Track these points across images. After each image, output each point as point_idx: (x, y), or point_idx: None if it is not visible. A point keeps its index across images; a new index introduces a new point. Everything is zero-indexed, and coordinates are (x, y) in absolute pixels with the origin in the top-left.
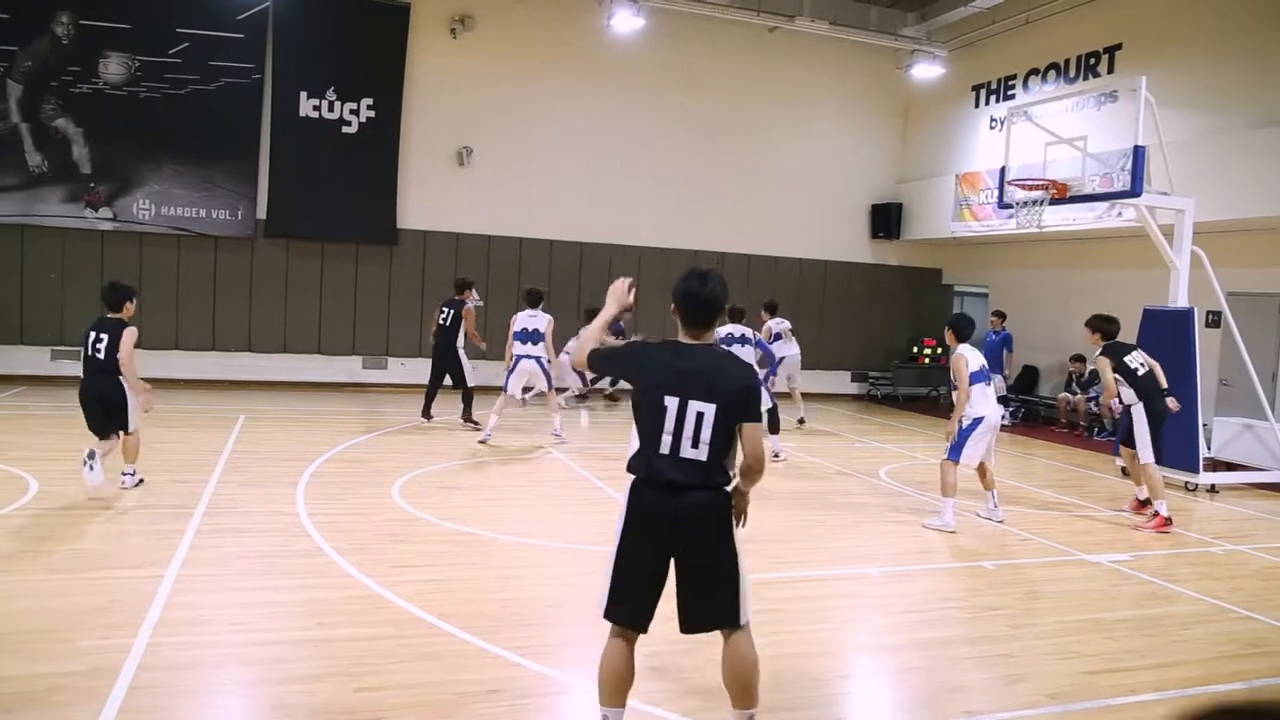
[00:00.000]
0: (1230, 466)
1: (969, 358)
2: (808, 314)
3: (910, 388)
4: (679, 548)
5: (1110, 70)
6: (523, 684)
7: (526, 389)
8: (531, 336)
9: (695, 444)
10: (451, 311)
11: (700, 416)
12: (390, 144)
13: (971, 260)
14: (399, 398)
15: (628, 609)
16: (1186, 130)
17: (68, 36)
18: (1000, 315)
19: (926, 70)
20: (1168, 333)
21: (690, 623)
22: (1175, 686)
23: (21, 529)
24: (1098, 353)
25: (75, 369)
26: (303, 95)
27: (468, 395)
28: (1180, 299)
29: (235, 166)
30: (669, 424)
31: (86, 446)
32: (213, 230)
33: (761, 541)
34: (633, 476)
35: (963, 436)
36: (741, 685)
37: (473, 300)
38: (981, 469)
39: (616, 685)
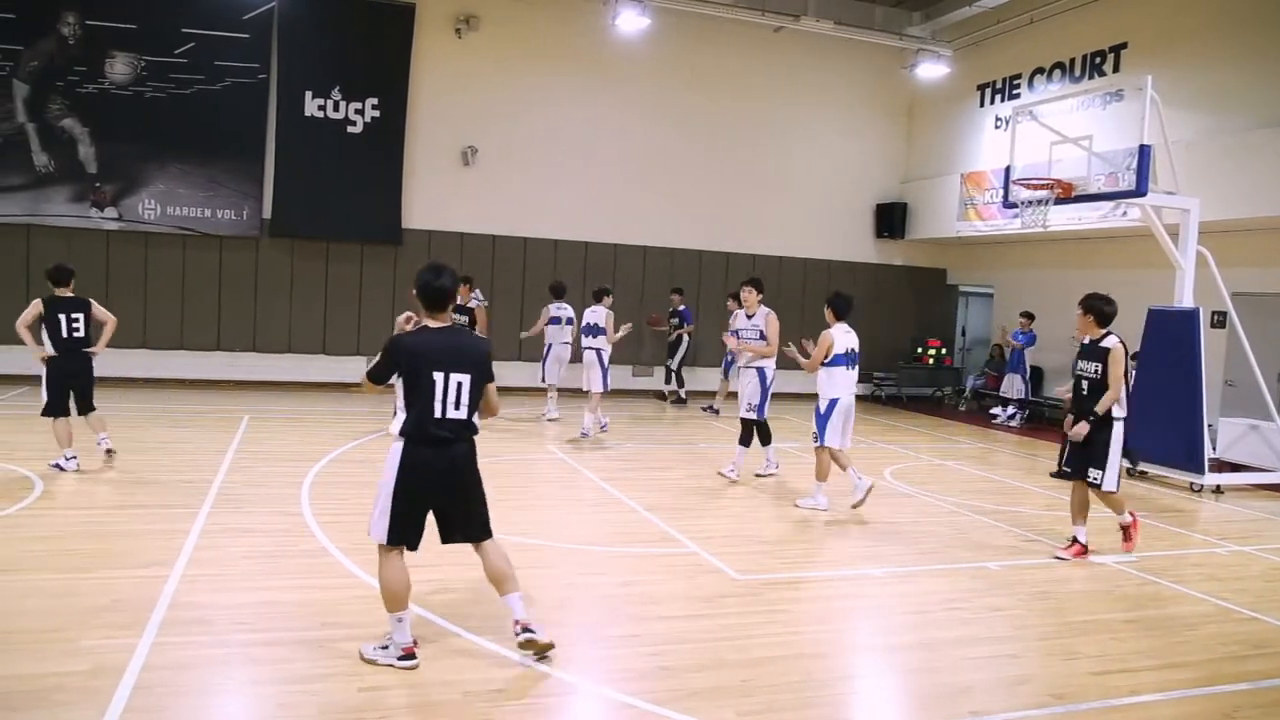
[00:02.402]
0: (1235, 467)
1: (838, 338)
2: (812, 314)
3: (915, 388)
4: (450, 488)
5: (1116, 69)
6: (527, 684)
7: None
8: (594, 330)
9: (458, 406)
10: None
11: (460, 385)
12: (395, 144)
13: (976, 260)
14: None
15: (409, 537)
16: (1192, 129)
17: (74, 36)
18: (1029, 316)
19: (931, 70)
20: (1173, 333)
21: (456, 539)
22: (1180, 687)
23: (26, 528)
24: (1105, 341)
25: None
26: (308, 95)
27: None
28: (1185, 299)
29: (240, 166)
30: (438, 393)
31: (79, 445)
32: (218, 230)
33: (765, 542)
34: (403, 438)
35: (823, 419)
36: (505, 575)
37: (475, 298)
38: (832, 452)
39: (408, 592)
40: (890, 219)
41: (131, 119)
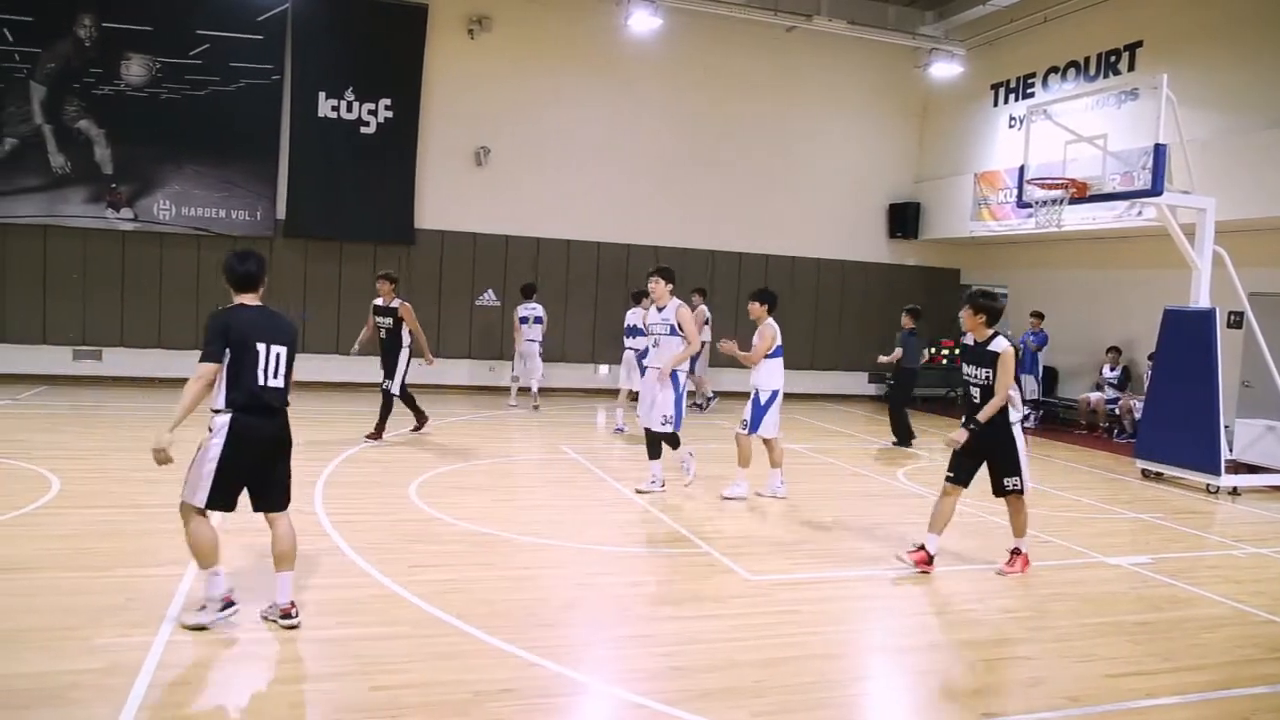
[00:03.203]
0: (1252, 469)
1: (779, 331)
2: (825, 314)
3: (928, 389)
4: (272, 457)
5: (1131, 68)
6: (538, 683)
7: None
8: (633, 331)
9: (276, 375)
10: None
11: (279, 355)
12: (408, 144)
13: (990, 260)
14: (417, 397)
15: (226, 502)
16: (1208, 128)
17: (90, 39)
18: (1039, 315)
19: (945, 69)
20: (1189, 333)
21: (263, 507)
22: (1197, 690)
23: (43, 527)
24: (993, 344)
25: (96, 369)
26: (321, 96)
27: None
28: (1202, 299)
29: (254, 167)
30: (262, 363)
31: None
32: (232, 230)
33: (778, 543)
34: (231, 409)
35: (762, 410)
36: (288, 553)
37: (488, 299)
38: (771, 445)
39: (217, 548)
40: (903, 219)
41: (147, 120)
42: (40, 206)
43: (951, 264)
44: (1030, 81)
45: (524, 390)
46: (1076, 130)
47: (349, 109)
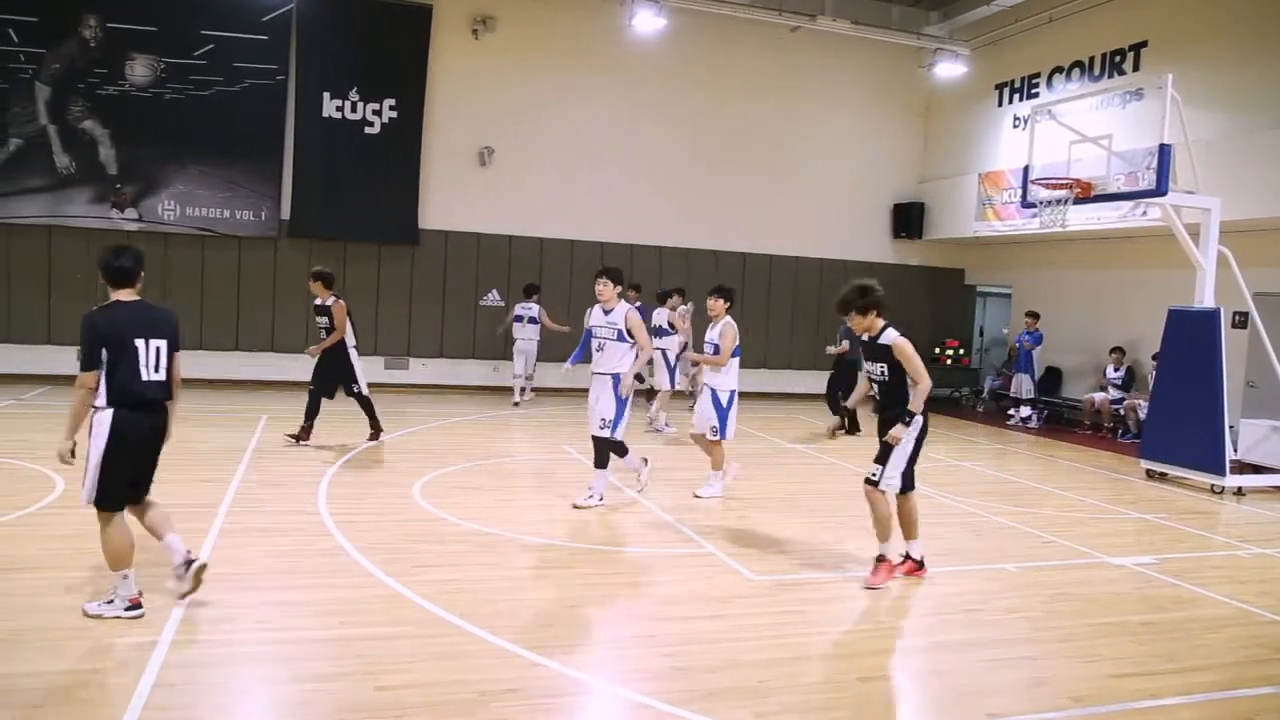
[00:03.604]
0: (1257, 469)
1: (736, 328)
2: (829, 315)
3: (932, 388)
4: (154, 450)
5: (1136, 68)
6: (542, 683)
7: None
8: (659, 331)
9: (157, 369)
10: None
11: (159, 349)
12: (412, 144)
13: (994, 260)
14: (420, 398)
15: (119, 498)
16: (1213, 128)
17: (95, 39)
18: (1034, 315)
19: (949, 69)
20: (1194, 334)
21: (137, 498)
22: (1201, 691)
23: (48, 526)
24: (884, 337)
25: None
26: (326, 96)
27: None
28: (1206, 299)
29: (259, 167)
30: (142, 358)
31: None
32: (236, 230)
33: (781, 543)
34: (112, 406)
35: (725, 412)
36: (166, 516)
37: (492, 299)
38: (709, 444)
39: (132, 550)
40: (907, 219)
41: (151, 120)
42: (45, 207)
43: (955, 264)
44: (1035, 82)
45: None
46: (1081, 130)
47: (353, 109)
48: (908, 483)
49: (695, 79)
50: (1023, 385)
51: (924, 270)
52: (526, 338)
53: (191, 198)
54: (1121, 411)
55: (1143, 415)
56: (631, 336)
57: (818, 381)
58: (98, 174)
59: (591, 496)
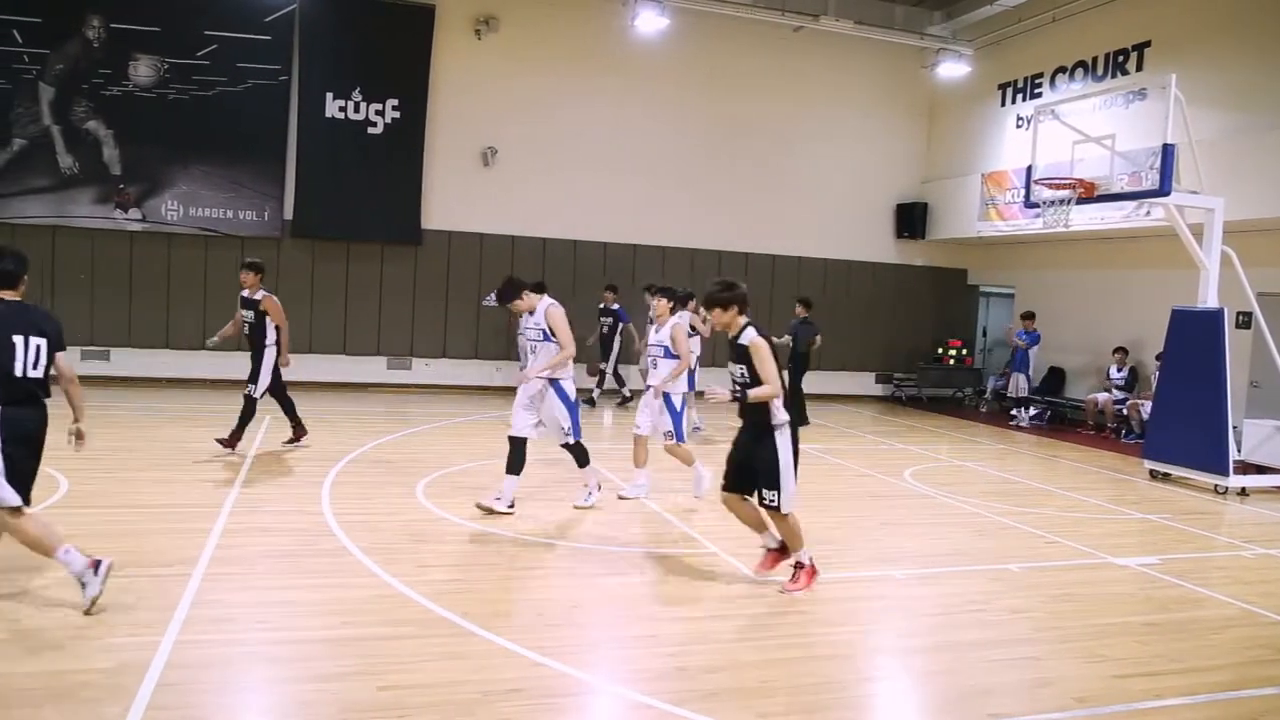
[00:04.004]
0: (1260, 469)
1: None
2: (832, 315)
3: (935, 389)
4: (40, 445)
5: (1139, 68)
6: (545, 683)
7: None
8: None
9: (35, 367)
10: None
11: (39, 347)
12: (415, 144)
13: (997, 260)
14: (423, 398)
15: (25, 492)
16: (1216, 128)
17: (98, 40)
18: (1030, 316)
19: (952, 69)
20: (1197, 334)
21: (29, 493)
22: (1205, 691)
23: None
24: (743, 336)
25: (104, 368)
26: (329, 96)
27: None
28: (1210, 299)
29: (262, 167)
30: (19, 354)
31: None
32: (239, 231)
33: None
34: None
35: (679, 416)
36: (51, 526)
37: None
38: (642, 443)
39: (51, 532)
40: (910, 219)
41: (155, 121)
42: (49, 207)
43: (958, 264)
44: (1038, 82)
45: None
46: (1084, 130)
47: (356, 109)
48: (729, 485)
49: (698, 79)
50: (1018, 384)
51: (927, 270)
52: (521, 333)
53: (195, 198)
54: (1125, 412)
55: (1146, 415)
56: (554, 336)
57: (821, 382)
58: (101, 174)
59: (590, 495)
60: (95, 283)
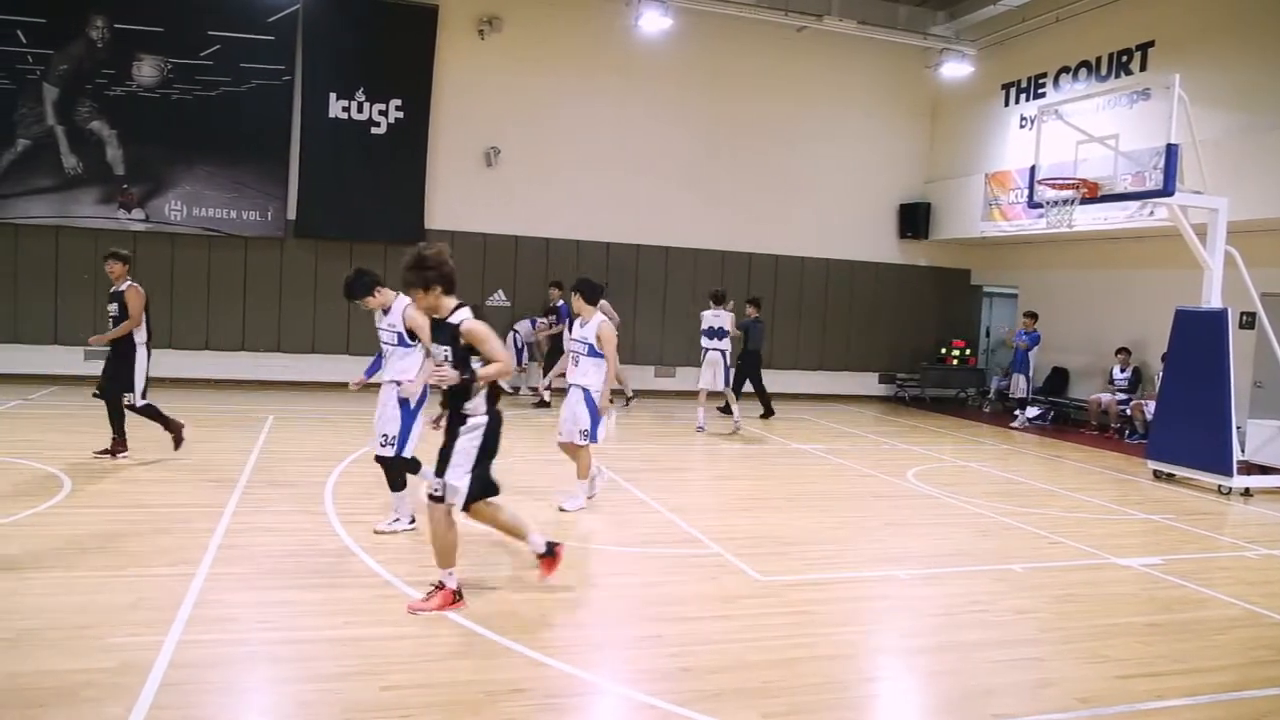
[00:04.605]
0: (1264, 470)
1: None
2: (835, 315)
3: (938, 389)
4: None
5: (1143, 68)
6: (549, 683)
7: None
8: (716, 333)
9: None
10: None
11: None
12: (419, 144)
13: (1001, 260)
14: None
15: None
16: (1220, 128)
17: (102, 40)
18: (1033, 316)
19: (955, 69)
20: (1201, 334)
21: None
22: (1208, 692)
23: (54, 527)
24: (452, 316)
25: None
26: (332, 96)
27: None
28: (1214, 299)
29: (265, 167)
30: None
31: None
32: (243, 231)
33: (788, 543)
34: None
35: (598, 416)
36: None
37: (498, 299)
38: (576, 450)
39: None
40: (914, 219)
41: (158, 121)
42: (52, 207)
43: (962, 264)
44: (1041, 81)
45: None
46: (1088, 130)
47: (359, 109)
48: (485, 488)
49: (701, 79)
50: (1018, 385)
51: (930, 270)
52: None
53: (198, 198)
54: (1128, 412)
55: (1150, 416)
56: (414, 339)
57: (824, 382)
58: (105, 174)
59: (399, 521)
60: (98, 283)
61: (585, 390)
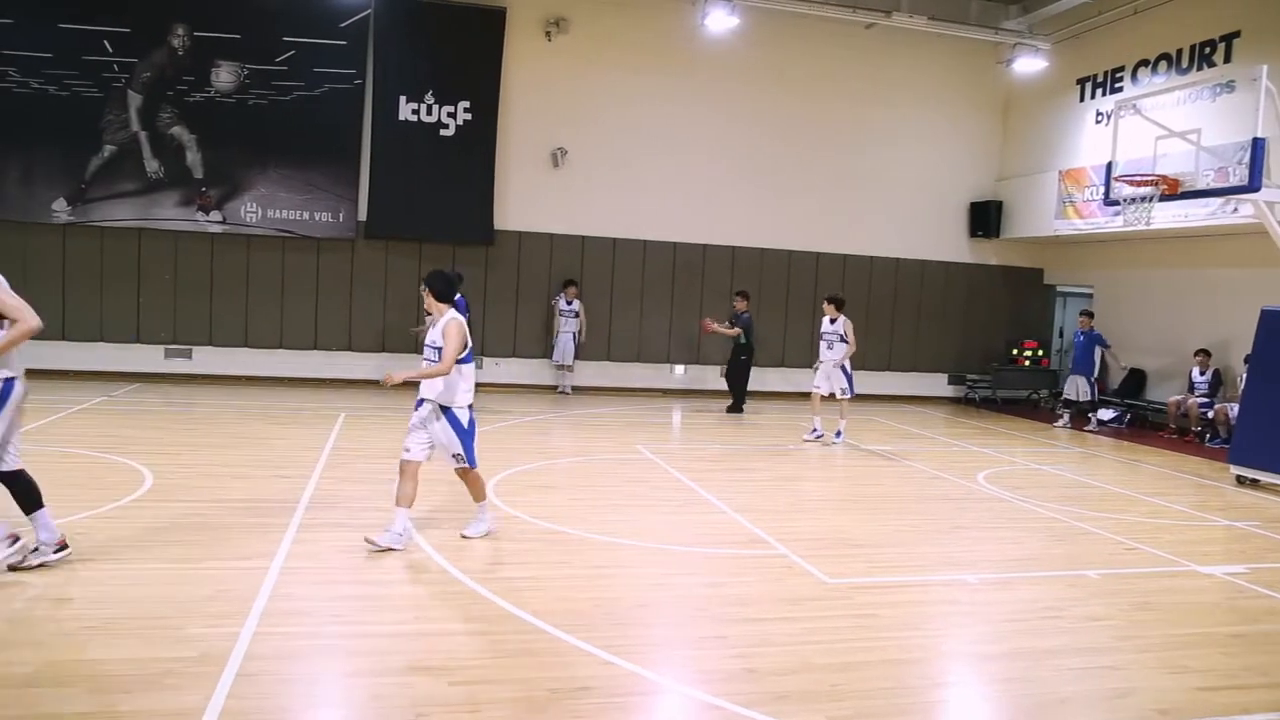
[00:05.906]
0: None
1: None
2: (904, 315)
3: (1010, 390)
4: None
5: (1227, 59)
6: (614, 682)
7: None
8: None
9: None
10: None
11: None
12: (487, 146)
13: (1075, 259)
14: (494, 397)
15: None
16: None
17: (183, 47)
18: (1089, 315)
19: (1028, 64)
20: None
21: None
22: None
23: (137, 520)
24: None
25: (186, 366)
26: (402, 99)
27: None
28: None
29: (337, 170)
30: None
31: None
32: (315, 232)
33: (856, 545)
34: None
35: (468, 436)
36: None
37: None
38: (475, 475)
39: None
40: (985, 218)
41: (235, 125)
42: (136, 210)
43: (1034, 264)
44: (1119, 75)
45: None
46: (1167, 125)
47: (429, 112)
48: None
49: (768, 78)
50: (1078, 387)
51: (1001, 270)
52: (565, 331)
53: (272, 200)
54: (1210, 415)
55: (1234, 419)
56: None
57: (892, 382)
58: (184, 178)
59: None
60: (178, 283)
61: (447, 410)
